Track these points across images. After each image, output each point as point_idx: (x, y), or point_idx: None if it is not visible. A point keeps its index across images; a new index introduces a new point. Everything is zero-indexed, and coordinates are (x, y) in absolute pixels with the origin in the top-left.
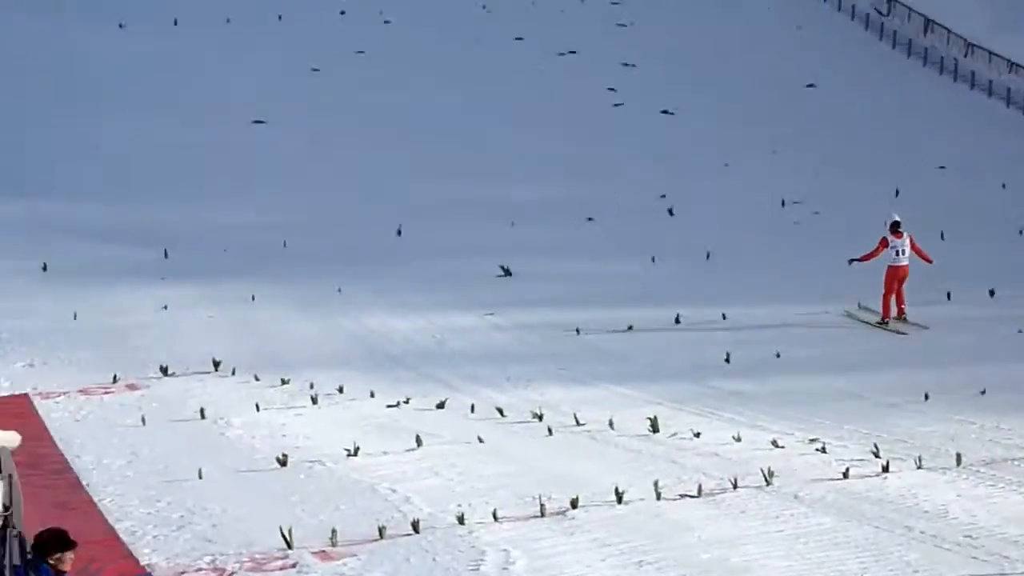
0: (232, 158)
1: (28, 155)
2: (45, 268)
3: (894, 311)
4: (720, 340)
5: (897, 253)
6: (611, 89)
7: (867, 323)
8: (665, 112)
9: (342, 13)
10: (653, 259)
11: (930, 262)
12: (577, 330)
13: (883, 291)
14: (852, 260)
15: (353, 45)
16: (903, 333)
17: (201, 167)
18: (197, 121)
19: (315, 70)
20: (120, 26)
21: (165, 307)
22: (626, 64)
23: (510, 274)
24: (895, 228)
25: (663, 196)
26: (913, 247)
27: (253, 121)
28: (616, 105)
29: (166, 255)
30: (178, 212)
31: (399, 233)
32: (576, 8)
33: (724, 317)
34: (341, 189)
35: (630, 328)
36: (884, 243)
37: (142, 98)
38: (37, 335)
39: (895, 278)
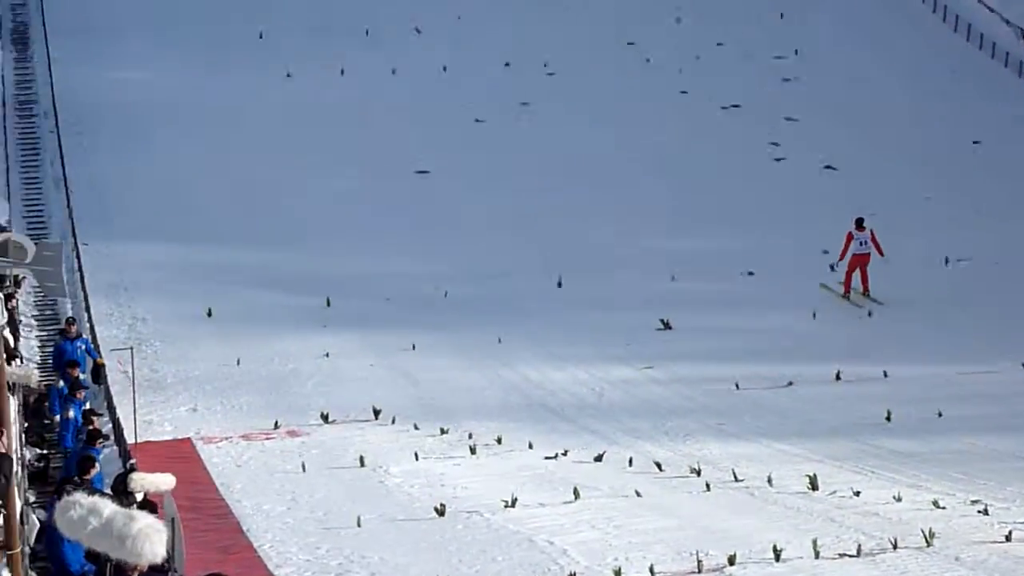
0: (395, 207)
1: (196, 202)
2: (210, 314)
3: (859, 288)
4: (881, 397)
5: (860, 243)
6: (774, 143)
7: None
8: (828, 167)
9: (507, 65)
10: (814, 314)
11: (882, 255)
12: (736, 384)
13: (846, 271)
14: (833, 266)
15: (517, 96)
16: (860, 306)
17: (364, 215)
18: (361, 170)
19: (479, 121)
20: (288, 75)
21: (327, 354)
22: (789, 118)
23: (670, 327)
24: (859, 224)
25: (825, 252)
26: (872, 240)
27: (416, 171)
28: (778, 159)
29: (328, 303)
30: (341, 260)
31: (559, 284)
32: (742, 63)
33: (885, 375)
34: (501, 238)
35: (789, 384)
36: (850, 236)
37: (307, 147)
38: (201, 380)
39: (857, 263)
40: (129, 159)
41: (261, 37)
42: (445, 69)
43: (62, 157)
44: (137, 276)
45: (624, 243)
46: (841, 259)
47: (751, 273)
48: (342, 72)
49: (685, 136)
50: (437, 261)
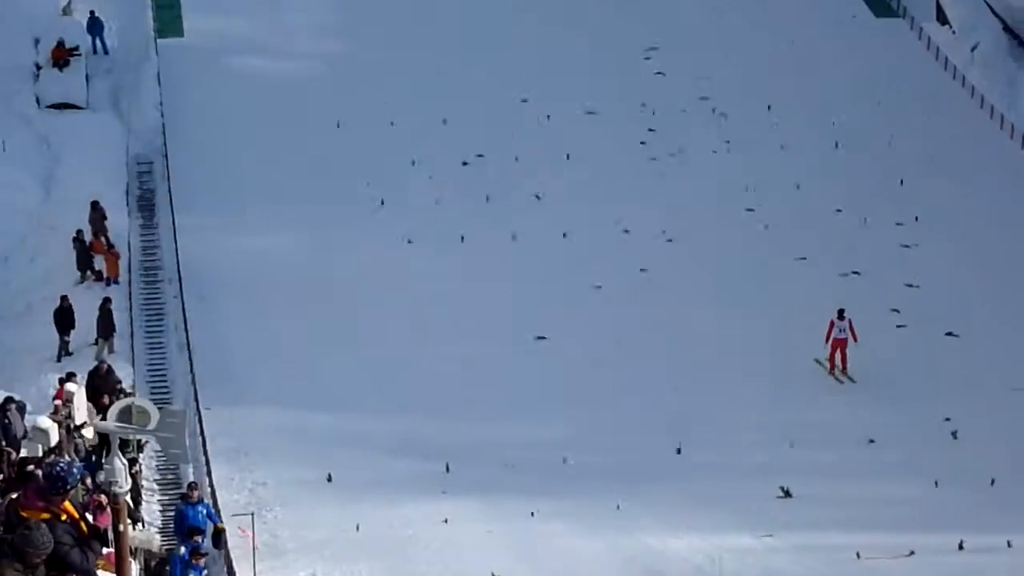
0: (514, 373)
1: (316, 367)
2: (330, 479)
3: (839, 366)
4: (1005, 568)
5: (840, 330)
6: (894, 310)
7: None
8: (950, 334)
9: (625, 232)
10: (936, 483)
11: (855, 340)
12: (857, 554)
13: (829, 352)
14: (955, 433)
15: (636, 262)
16: (841, 382)
17: (483, 381)
18: (480, 335)
19: (597, 287)
20: (408, 242)
21: (445, 520)
22: (910, 285)
23: (789, 495)
24: (840, 315)
25: (947, 419)
26: (850, 328)
27: (536, 337)
28: (899, 326)
29: (448, 468)
30: (460, 426)
31: (678, 451)
32: (860, 229)
33: (1009, 544)
34: (620, 404)
35: (911, 553)
36: (832, 324)
37: (426, 313)
38: (320, 545)
39: (837, 346)
40: (252, 325)
41: (383, 204)
42: (565, 235)
43: (186, 323)
44: (258, 441)
45: (741, 410)
46: (826, 342)
47: (871, 441)
48: (462, 239)
49: (804, 303)
50: (556, 427)
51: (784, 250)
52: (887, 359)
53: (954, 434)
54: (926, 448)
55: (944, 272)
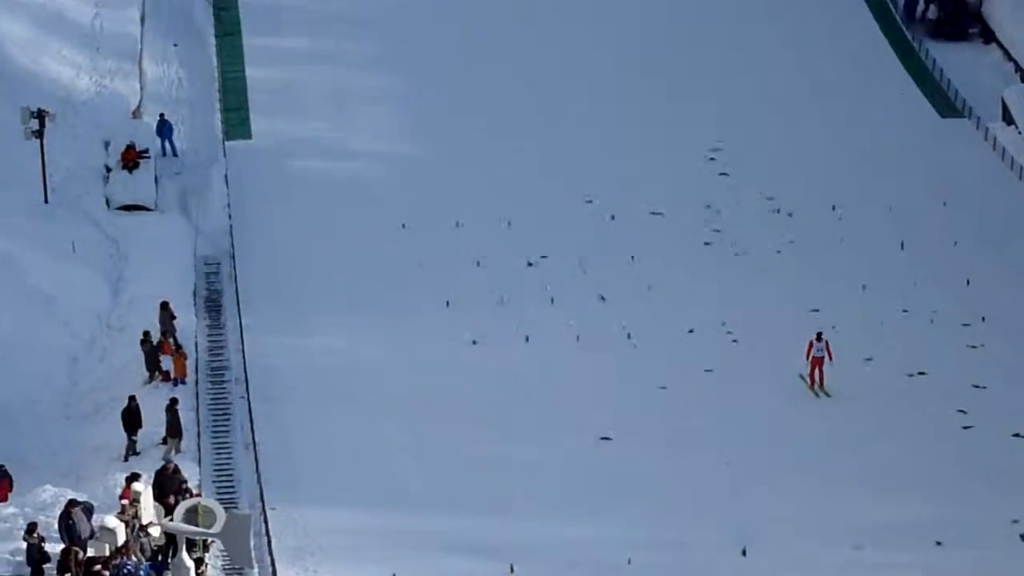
0: (579, 473)
1: (381, 467)
2: None
3: (818, 381)
4: None
5: (818, 350)
6: (961, 411)
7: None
8: (1017, 435)
9: (690, 331)
10: None
11: (831, 359)
12: None
13: (809, 370)
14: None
15: (700, 363)
16: (818, 396)
17: (548, 481)
18: (545, 436)
19: (662, 388)
20: (473, 342)
21: None
22: (977, 386)
23: None
24: (819, 337)
25: (1015, 521)
26: (826, 348)
27: (600, 437)
28: (965, 427)
29: (512, 569)
30: (525, 525)
31: (744, 553)
32: (927, 330)
33: None
34: (685, 505)
35: None
36: (811, 344)
37: (491, 413)
38: None
39: (815, 364)
40: (317, 425)
41: (448, 305)
42: (629, 336)
43: (252, 422)
44: (323, 541)
45: (806, 511)
46: (807, 359)
47: (939, 543)
48: (527, 339)
49: (871, 406)
50: (620, 527)
51: (850, 351)
52: (953, 460)
53: (1022, 536)
54: (994, 550)
55: (1011, 373)
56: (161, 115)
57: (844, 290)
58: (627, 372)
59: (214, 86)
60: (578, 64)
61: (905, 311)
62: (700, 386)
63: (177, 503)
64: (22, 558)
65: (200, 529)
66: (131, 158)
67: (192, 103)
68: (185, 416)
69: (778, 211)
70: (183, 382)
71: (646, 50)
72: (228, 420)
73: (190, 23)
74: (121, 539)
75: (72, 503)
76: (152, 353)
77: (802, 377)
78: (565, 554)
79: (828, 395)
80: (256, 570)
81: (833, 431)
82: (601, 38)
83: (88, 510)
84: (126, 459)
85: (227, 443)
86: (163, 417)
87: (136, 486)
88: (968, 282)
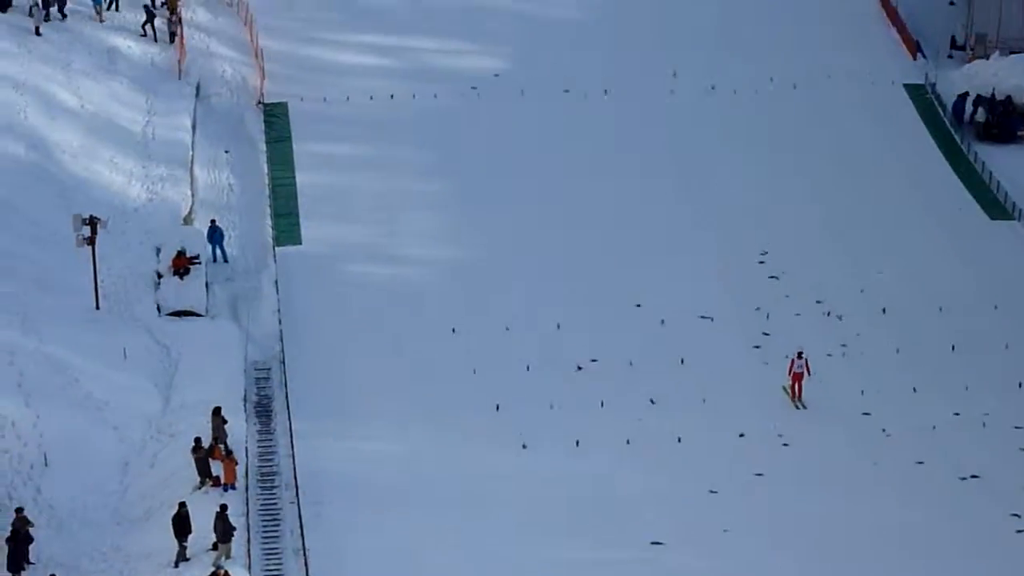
0: None
1: (431, 569)
2: None
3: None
4: None
5: (798, 367)
6: (1014, 515)
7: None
8: None
9: (741, 435)
10: None
11: (809, 374)
12: None
13: (790, 383)
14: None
15: (750, 467)
16: (798, 408)
17: None
18: (595, 541)
19: (713, 492)
20: (523, 447)
21: None
22: None
23: None
24: (799, 355)
25: None
26: (805, 365)
27: (652, 542)
28: (1019, 531)
29: None
30: None
31: None
32: (979, 432)
33: None
34: None
35: None
36: (792, 362)
37: (541, 518)
38: None
39: (796, 379)
40: (366, 529)
41: (498, 409)
42: (680, 440)
43: (302, 528)
44: None
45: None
46: (788, 374)
47: None
48: (577, 443)
49: (923, 507)
50: None
51: (902, 454)
52: (1008, 566)
53: None
54: None
55: None
56: (212, 221)
57: (895, 393)
58: (677, 477)
59: (264, 192)
60: (632, 170)
61: (957, 414)
62: (750, 490)
63: None
64: None
65: None
66: (182, 264)
67: (243, 209)
68: (235, 521)
69: (828, 314)
70: (233, 487)
71: (701, 153)
72: (278, 525)
73: (241, 129)
74: None
75: None
76: (204, 459)
77: (785, 389)
78: None
79: (804, 407)
80: None
81: (885, 536)
82: (655, 148)
83: None
84: (176, 565)
85: (277, 548)
86: (213, 523)
87: None
88: (1020, 384)
